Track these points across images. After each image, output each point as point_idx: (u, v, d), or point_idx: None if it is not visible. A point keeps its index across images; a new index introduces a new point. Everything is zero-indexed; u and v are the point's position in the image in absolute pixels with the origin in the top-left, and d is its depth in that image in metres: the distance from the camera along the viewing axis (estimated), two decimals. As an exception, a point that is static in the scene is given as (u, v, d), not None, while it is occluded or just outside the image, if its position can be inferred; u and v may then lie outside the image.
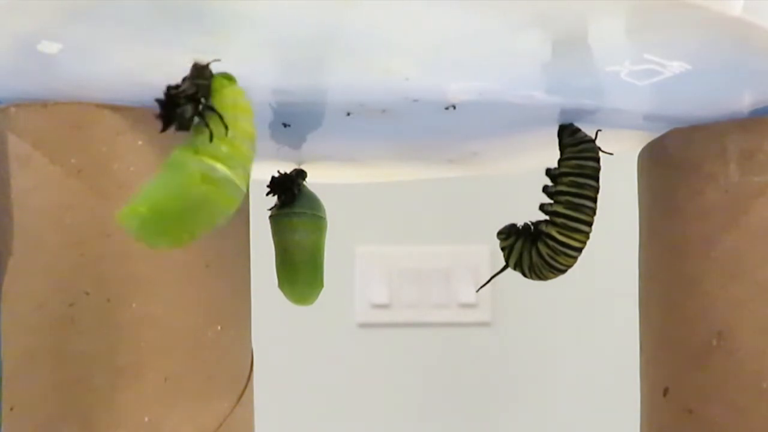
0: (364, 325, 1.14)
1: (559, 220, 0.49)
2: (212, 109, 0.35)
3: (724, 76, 0.41)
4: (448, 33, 0.37)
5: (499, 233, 0.52)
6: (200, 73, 0.35)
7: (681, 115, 0.46)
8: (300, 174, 0.56)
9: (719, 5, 0.35)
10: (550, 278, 0.51)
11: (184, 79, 0.35)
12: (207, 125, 0.35)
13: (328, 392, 1.14)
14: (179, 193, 0.34)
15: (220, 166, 0.34)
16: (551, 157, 0.50)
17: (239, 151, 0.35)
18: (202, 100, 0.35)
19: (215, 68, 0.36)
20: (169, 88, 0.34)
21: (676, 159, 0.47)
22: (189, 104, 0.34)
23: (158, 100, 0.34)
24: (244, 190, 0.35)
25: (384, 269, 1.13)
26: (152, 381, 0.42)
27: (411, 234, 1.15)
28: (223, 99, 0.35)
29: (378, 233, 1.14)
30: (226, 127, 0.35)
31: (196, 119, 0.35)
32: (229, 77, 0.36)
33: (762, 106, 0.44)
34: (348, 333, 1.14)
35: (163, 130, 0.34)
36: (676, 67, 0.39)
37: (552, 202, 0.50)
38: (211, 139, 0.35)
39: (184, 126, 0.34)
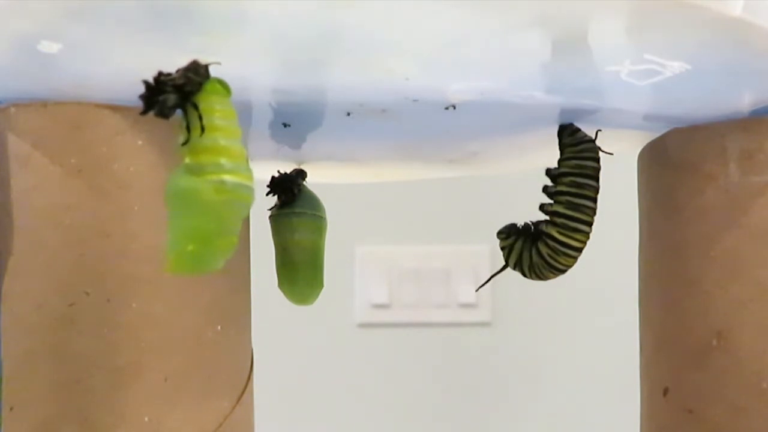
0: (364, 325, 1.14)
1: (559, 220, 0.49)
2: (195, 107, 0.35)
3: (724, 76, 0.41)
4: (449, 33, 0.37)
5: (499, 233, 0.52)
6: (195, 68, 0.35)
7: (681, 115, 0.46)
8: (300, 174, 0.55)
9: (719, 5, 0.35)
10: (550, 278, 0.51)
11: (177, 70, 0.35)
12: (187, 123, 0.35)
13: (328, 392, 1.13)
14: (206, 216, 0.35)
15: (226, 177, 0.35)
16: (551, 157, 0.50)
17: (232, 153, 0.35)
18: (190, 95, 0.35)
19: (216, 73, 0.35)
20: (160, 73, 0.34)
21: (676, 159, 0.47)
22: (174, 94, 0.34)
23: (145, 82, 0.34)
24: (253, 184, 0.36)
25: (384, 269, 1.13)
26: (152, 381, 0.42)
27: (411, 234, 1.15)
28: (211, 102, 0.35)
29: (378, 233, 1.14)
30: (203, 129, 0.35)
31: (179, 112, 0.35)
32: (225, 86, 0.36)
33: (762, 106, 0.44)
34: (348, 333, 1.14)
35: (143, 113, 0.34)
36: (676, 67, 0.39)
37: (552, 202, 0.50)
38: (186, 140, 0.35)
39: (164, 114, 0.34)
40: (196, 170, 0.35)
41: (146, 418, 0.41)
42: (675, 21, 0.36)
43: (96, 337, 0.41)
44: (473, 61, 0.40)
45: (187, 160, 0.35)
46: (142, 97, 0.34)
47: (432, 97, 0.44)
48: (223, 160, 0.35)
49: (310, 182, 0.56)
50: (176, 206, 0.35)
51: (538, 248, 0.50)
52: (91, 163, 0.41)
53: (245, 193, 0.36)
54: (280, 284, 0.55)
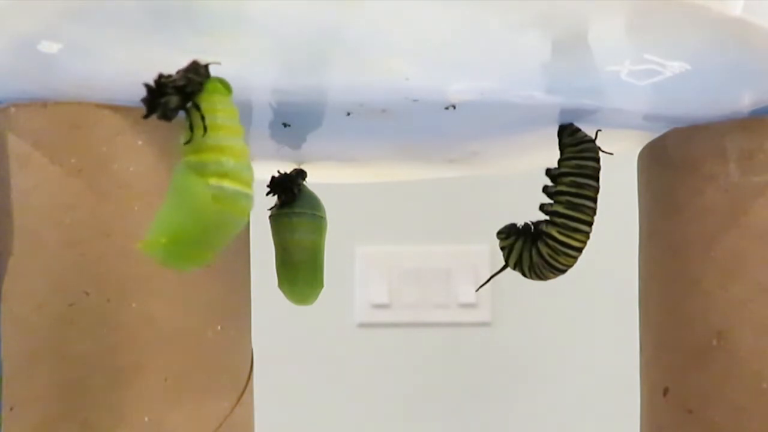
0: (364, 325, 1.14)
1: (559, 220, 0.49)
2: (197, 107, 0.35)
3: (724, 76, 0.41)
4: (449, 33, 0.37)
5: (499, 233, 0.52)
6: (196, 69, 0.35)
7: (681, 115, 0.46)
8: (300, 174, 0.55)
9: (719, 5, 0.35)
10: (550, 278, 0.51)
11: (178, 71, 0.35)
12: (191, 123, 0.35)
13: (328, 392, 1.14)
14: (195, 218, 0.35)
15: (227, 183, 0.35)
16: (551, 157, 0.50)
17: (235, 152, 0.35)
18: (191, 96, 0.35)
19: (216, 73, 0.36)
20: (160, 76, 0.34)
21: (676, 159, 0.47)
22: (175, 96, 0.34)
23: (146, 85, 0.34)
24: (253, 192, 0.36)
25: (384, 269, 1.13)
26: (152, 381, 0.42)
27: (411, 234, 1.15)
28: (213, 102, 0.35)
29: (378, 233, 1.14)
30: (206, 129, 0.35)
31: (181, 113, 0.35)
32: (225, 85, 0.36)
33: (762, 106, 0.44)
34: (348, 333, 1.14)
35: (146, 116, 0.34)
36: (676, 67, 0.39)
37: (552, 202, 0.50)
38: (189, 140, 0.35)
39: (166, 116, 0.34)
40: (198, 168, 0.35)
41: (146, 418, 0.41)
42: (675, 21, 0.36)
43: (96, 337, 0.41)
44: (473, 61, 0.40)
45: (189, 158, 0.35)
46: (144, 100, 0.34)
47: (432, 97, 0.44)
48: (224, 159, 0.35)
49: (310, 182, 0.56)
50: (171, 197, 0.35)
51: (538, 248, 0.50)
52: (91, 163, 0.41)
53: (243, 204, 0.35)
54: (280, 284, 0.55)
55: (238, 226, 0.36)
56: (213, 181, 0.35)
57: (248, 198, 0.35)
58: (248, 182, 0.35)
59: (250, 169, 0.36)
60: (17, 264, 0.42)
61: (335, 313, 1.12)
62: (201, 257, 0.35)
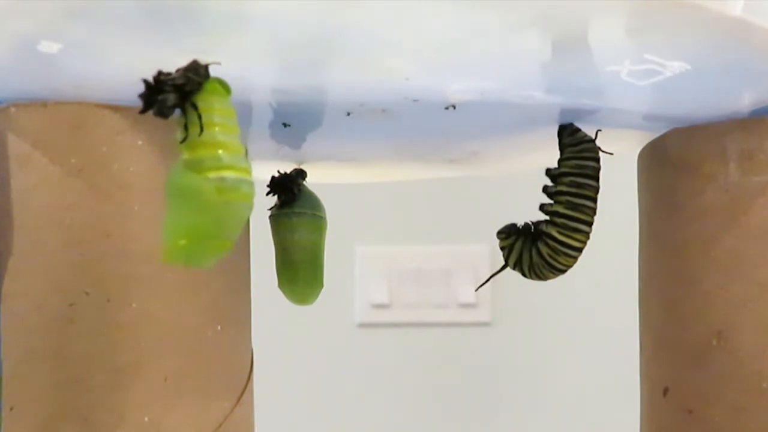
0: (364, 325, 1.14)
1: (559, 220, 0.49)
2: (195, 106, 0.35)
3: (724, 76, 0.41)
4: (449, 33, 0.37)
5: (499, 233, 0.52)
6: (195, 68, 0.35)
7: (681, 115, 0.46)
8: (300, 174, 0.55)
9: (719, 5, 0.35)
10: (550, 278, 0.51)
11: (177, 70, 0.35)
12: (186, 122, 0.35)
13: (328, 392, 1.14)
14: (205, 214, 0.35)
15: (227, 173, 0.35)
16: (551, 157, 0.50)
17: (230, 147, 0.35)
18: (189, 95, 0.35)
19: (216, 73, 0.36)
20: (160, 73, 0.34)
21: (676, 159, 0.47)
22: (173, 94, 0.34)
23: (144, 81, 0.34)
24: (252, 179, 0.36)
25: (384, 269, 1.13)
26: (152, 381, 0.42)
27: (411, 234, 1.14)
28: (210, 102, 0.35)
29: (378, 233, 1.14)
30: (202, 129, 0.35)
31: (178, 111, 0.35)
32: (225, 86, 0.36)
33: (762, 106, 0.44)
34: (348, 333, 1.14)
35: (142, 112, 0.34)
36: (676, 67, 0.39)
37: (552, 202, 0.50)
38: (184, 139, 0.35)
39: (163, 113, 0.34)
40: (195, 165, 0.35)
41: (146, 418, 0.41)
42: (675, 21, 0.36)
43: (96, 337, 0.41)
44: (473, 61, 0.40)
45: (185, 156, 0.35)
46: (142, 96, 0.34)
47: (432, 97, 0.44)
48: (220, 152, 0.35)
49: (310, 182, 0.56)
50: (175, 201, 0.35)
51: (538, 248, 0.50)
52: (91, 163, 0.41)
53: (246, 190, 0.36)
54: (280, 284, 0.55)
55: (247, 212, 0.36)
56: (212, 174, 0.35)
57: (250, 184, 0.36)
58: (247, 170, 0.36)
59: (246, 161, 0.36)
60: (17, 264, 0.42)
61: (335, 313, 1.12)
62: (221, 248, 0.36)
